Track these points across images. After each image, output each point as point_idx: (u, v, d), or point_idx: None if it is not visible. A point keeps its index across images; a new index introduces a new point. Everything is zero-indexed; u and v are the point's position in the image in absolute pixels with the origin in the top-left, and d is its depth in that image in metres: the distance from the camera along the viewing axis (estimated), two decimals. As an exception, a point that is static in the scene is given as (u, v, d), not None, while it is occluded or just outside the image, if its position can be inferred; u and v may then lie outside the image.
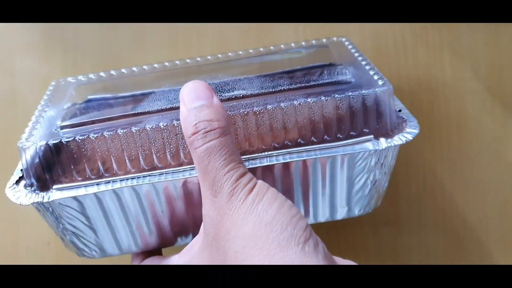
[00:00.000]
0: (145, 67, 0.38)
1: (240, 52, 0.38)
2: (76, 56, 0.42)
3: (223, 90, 0.32)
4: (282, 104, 0.30)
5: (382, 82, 0.31)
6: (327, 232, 0.41)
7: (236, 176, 0.26)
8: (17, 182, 0.32)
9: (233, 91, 0.32)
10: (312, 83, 0.32)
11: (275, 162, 0.30)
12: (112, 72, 0.38)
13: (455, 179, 0.41)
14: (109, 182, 0.30)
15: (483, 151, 0.41)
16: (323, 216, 0.33)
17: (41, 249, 0.41)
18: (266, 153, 0.31)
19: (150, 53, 0.42)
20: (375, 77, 0.32)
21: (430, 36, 0.42)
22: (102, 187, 0.30)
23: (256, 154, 0.31)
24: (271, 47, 0.38)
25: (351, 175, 0.31)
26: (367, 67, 0.33)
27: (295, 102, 0.30)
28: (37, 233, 0.41)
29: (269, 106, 0.30)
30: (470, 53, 0.42)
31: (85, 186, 0.30)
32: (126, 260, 0.41)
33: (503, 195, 0.41)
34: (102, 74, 0.38)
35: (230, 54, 0.38)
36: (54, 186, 0.30)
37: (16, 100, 0.42)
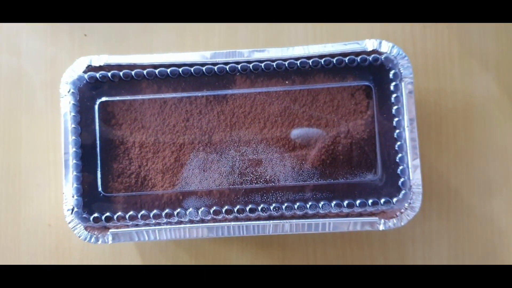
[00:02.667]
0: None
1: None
2: (82, 38, 0.42)
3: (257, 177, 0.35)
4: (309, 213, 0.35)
5: (403, 191, 0.34)
6: (333, 242, 0.41)
7: None
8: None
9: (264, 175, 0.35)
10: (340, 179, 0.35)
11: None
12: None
13: (460, 172, 0.41)
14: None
15: (490, 143, 0.41)
16: None
17: (42, 231, 0.41)
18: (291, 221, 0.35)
19: (158, 39, 0.42)
20: (400, 181, 0.35)
21: (439, 29, 0.42)
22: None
23: (284, 221, 0.35)
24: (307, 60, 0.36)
25: None
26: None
27: (319, 211, 0.35)
28: (38, 214, 0.41)
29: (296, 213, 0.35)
30: (479, 45, 0.42)
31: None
32: (126, 260, 0.41)
33: (509, 189, 0.41)
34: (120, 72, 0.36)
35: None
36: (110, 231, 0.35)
37: (21, 80, 0.42)
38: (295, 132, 0.35)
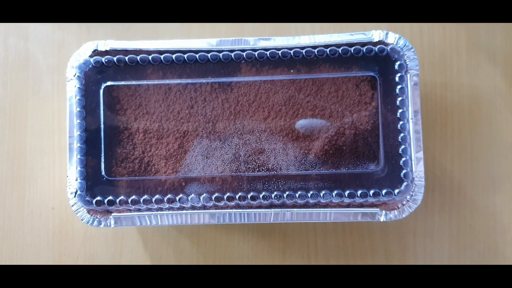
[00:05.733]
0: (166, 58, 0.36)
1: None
2: (90, 23, 0.42)
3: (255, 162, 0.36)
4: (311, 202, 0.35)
5: (405, 183, 0.34)
6: (334, 233, 0.41)
7: None
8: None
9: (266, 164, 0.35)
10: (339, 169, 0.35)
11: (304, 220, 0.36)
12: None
13: (464, 166, 0.41)
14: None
15: (495, 139, 0.41)
16: None
17: (46, 214, 0.41)
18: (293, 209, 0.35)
19: (165, 24, 0.42)
20: (402, 173, 0.35)
21: (447, 24, 0.42)
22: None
23: (285, 210, 0.35)
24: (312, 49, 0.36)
25: None
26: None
27: (322, 200, 0.35)
28: (42, 197, 0.41)
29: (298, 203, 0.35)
30: (487, 39, 0.41)
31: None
32: (127, 244, 0.41)
33: None
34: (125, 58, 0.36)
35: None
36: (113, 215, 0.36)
37: (28, 63, 0.42)
38: (300, 123, 0.35)
